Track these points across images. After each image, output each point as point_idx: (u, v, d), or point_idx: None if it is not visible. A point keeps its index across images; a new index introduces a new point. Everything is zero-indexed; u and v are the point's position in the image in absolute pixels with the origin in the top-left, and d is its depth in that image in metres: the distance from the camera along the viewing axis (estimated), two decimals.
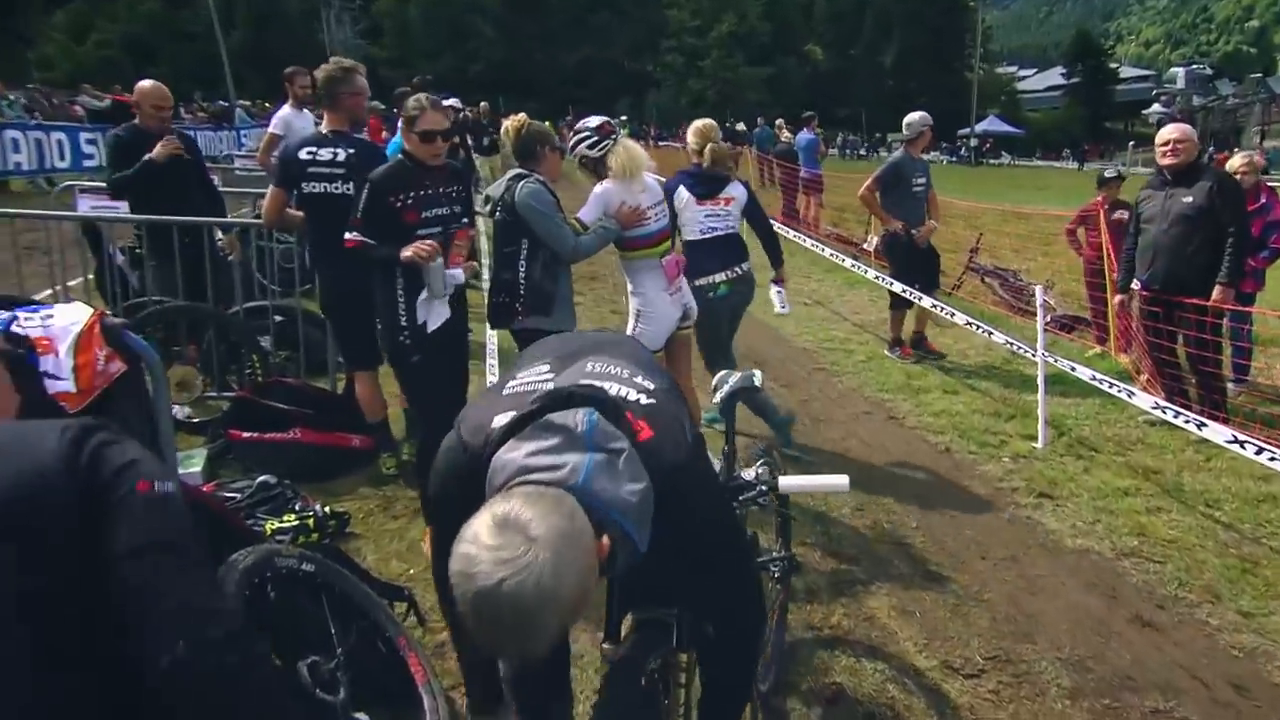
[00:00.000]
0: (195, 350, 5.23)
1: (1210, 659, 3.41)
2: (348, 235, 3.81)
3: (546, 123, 5.33)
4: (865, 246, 11.33)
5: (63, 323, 2.32)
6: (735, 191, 5.12)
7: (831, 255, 9.33)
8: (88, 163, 16.85)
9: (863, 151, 51.80)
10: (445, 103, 7.67)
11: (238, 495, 4.07)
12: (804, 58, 75.21)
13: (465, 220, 4.08)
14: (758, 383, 2.88)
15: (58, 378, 2.29)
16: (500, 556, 1.20)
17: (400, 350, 3.91)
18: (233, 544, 2.62)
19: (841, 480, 1.97)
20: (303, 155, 4.45)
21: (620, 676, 1.88)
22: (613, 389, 1.59)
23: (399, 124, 4.03)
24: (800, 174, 14.84)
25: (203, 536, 1.56)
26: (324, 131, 4.68)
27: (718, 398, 2.73)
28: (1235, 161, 6.43)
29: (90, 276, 6.20)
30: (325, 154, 4.45)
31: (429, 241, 3.70)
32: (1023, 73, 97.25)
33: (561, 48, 71.96)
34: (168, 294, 5.29)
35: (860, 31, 77.22)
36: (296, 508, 4.01)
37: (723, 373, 2.80)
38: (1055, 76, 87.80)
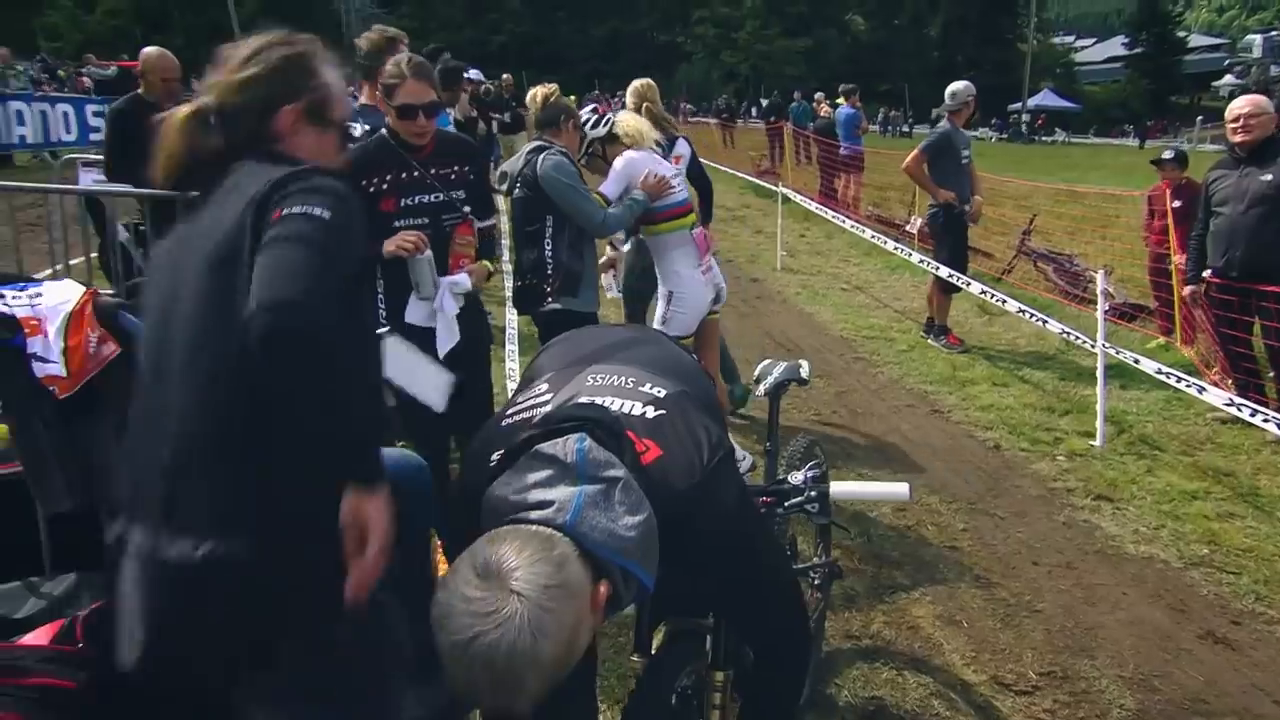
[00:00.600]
0: None
1: None
2: None
3: (571, 97, 5.24)
4: (909, 229, 11.13)
5: (52, 302, 2.27)
6: (682, 149, 5.15)
7: (872, 237, 9.19)
8: (94, 136, 16.86)
9: (905, 128, 51.07)
10: (466, 74, 7.57)
11: None
12: (844, 28, 74.27)
13: (468, 211, 3.43)
14: (805, 374, 2.76)
15: (47, 360, 2.24)
16: (476, 610, 1.16)
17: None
18: None
19: (902, 489, 1.87)
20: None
21: (648, 693, 1.80)
22: (614, 405, 1.51)
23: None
24: (839, 151, 14.62)
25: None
26: (362, 104, 4.49)
27: (761, 390, 2.62)
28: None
29: (93, 255, 6.21)
30: (358, 130, 4.25)
31: (414, 232, 3.23)
32: (1081, 43, 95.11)
33: (589, 20, 71.77)
34: None
35: (904, 3, 76.25)
36: None
37: (767, 361, 2.69)
38: (1116, 46, 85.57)
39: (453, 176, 3.37)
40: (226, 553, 1.44)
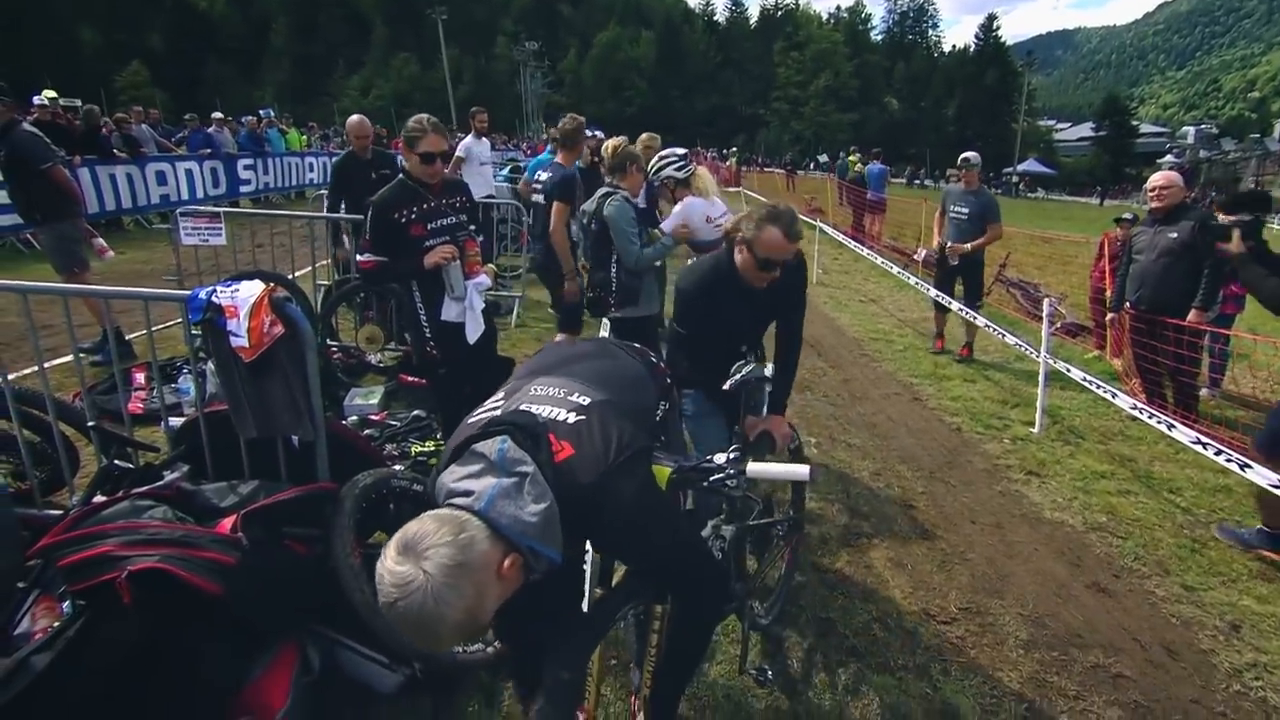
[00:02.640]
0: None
1: (1150, 624, 2.96)
2: (360, 257, 3.20)
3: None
4: (915, 257, 10.54)
5: (245, 295, 2.30)
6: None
7: (884, 264, 8.73)
8: None
9: (927, 182, 48.88)
10: (589, 133, 7.60)
11: (398, 423, 4.10)
12: (883, 107, 71.65)
13: (472, 228, 3.37)
14: (768, 374, 2.59)
15: (237, 335, 2.28)
16: (395, 580, 1.13)
17: (430, 362, 3.32)
18: (365, 466, 2.59)
19: (802, 469, 1.70)
20: (538, 175, 5.16)
21: (595, 612, 1.69)
22: (544, 411, 1.41)
23: (408, 145, 3.15)
24: (868, 196, 14.01)
25: None
26: (555, 162, 4.97)
27: (728, 384, 2.45)
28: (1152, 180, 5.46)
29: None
30: (544, 177, 4.92)
31: (447, 245, 3.16)
32: (1059, 126, 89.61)
33: (695, 96, 71.29)
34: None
35: (929, 88, 73.34)
36: (437, 436, 4.00)
37: (740, 362, 2.51)
38: (1085, 130, 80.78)
39: (457, 205, 3.29)
40: None
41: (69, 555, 1.83)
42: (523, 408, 1.43)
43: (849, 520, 3.64)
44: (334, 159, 6.14)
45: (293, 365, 2.34)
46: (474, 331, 3.30)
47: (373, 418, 4.17)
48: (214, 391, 3.85)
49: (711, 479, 1.66)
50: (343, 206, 5.46)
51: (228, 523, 2.12)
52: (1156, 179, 4.92)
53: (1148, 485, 4.20)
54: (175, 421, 4.04)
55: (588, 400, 1.46)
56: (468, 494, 1.26)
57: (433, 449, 3.78)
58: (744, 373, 2.40)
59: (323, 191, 6.70)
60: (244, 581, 1.86)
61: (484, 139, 7.50)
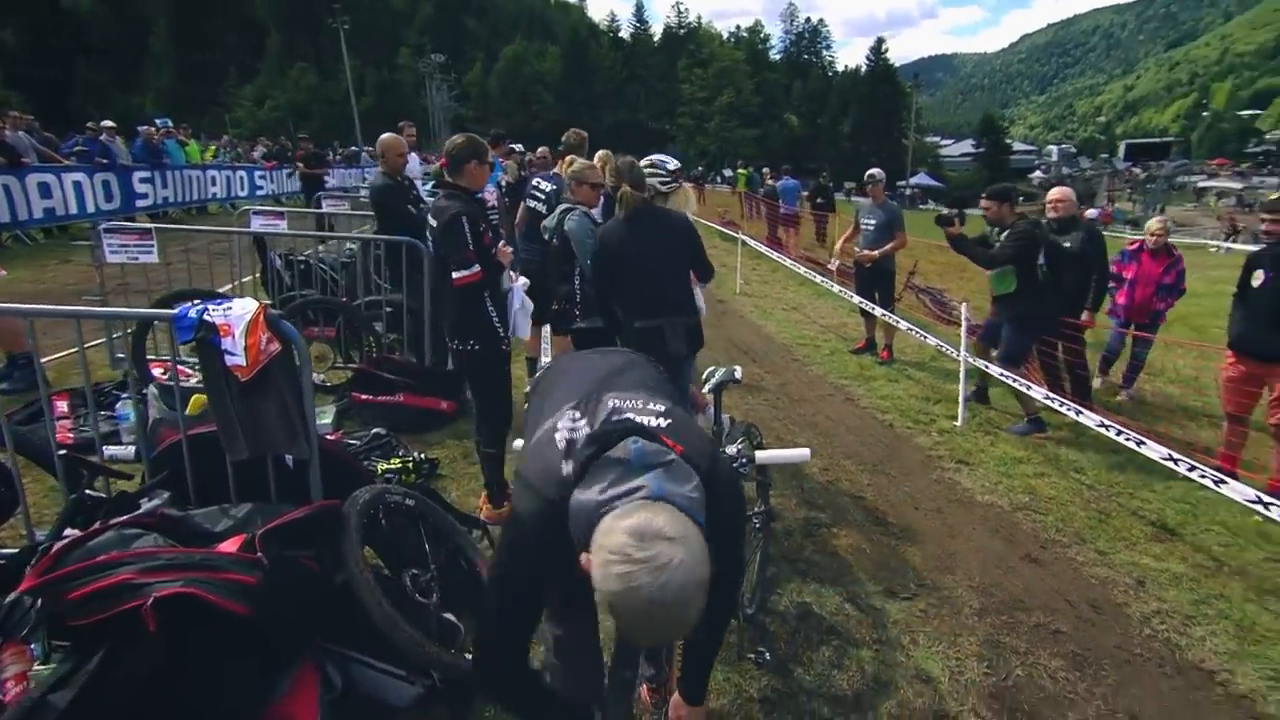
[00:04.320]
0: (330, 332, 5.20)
1: (1077, 586, 3.35)
2: (465, 272, 3.10)
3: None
4: (829, 266, 11.11)
5: (238, 313, 2.27)
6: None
7: (806, 273, 9.19)
8: (259, 191, 17.31)
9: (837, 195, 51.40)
10: (510, 146, 7.73)
11: (358, 442, 4.03)
12: (783, 124, 74.54)
13: (503, 238, 3.54)
14: (739, 376, 2.78)
15: (233, 354, 2.24)
16: (656, 565, 1.09)
17: (502, 358, 3.37)
18: (355, 483, 2.59)
19: (804, 452, 1.86)
20: (533, 183, 5.10)
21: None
22: (639, 419, 1.42)
23: (461, 162, 3.29)
24: (780, 210, 14.64)
25: None
26: (554, 173, 5.07)
27: (706, 388, 2.61)
28: (1152, 224, 6.14)
29: (257, 275, 6.19)
30: (547, 187, 4.93)
31: (506, 245, 3.42)
32: (944, 142, 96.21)
33: (602, 111, 71.82)
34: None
35: (825, 106, 76.91)
36: (400, 453, 3.97)
37: (712, 367, 2.68)
38: (967, 146, 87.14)
39: (490, 218, 3.60)
40: None
41: (78, 588, 1.77)
42: (616, 419, 1.42)
43: (808, 513, 3.88)
44: (371, 185, 5.54)
45: (288, 382, 2.33)
46: (525, 329, 3.50)
47: (328, 437, 4.08)
48: (157, 417, 3.69)
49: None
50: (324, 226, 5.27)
51: (227, 547, 2.08)
52: (1054, 193, 5.51)
53: (1057, 467, 4.67)
54: (113, 450, 3.85)
55: (664, 407, 1.47)
56: (632, 491, 1.21)
57: (398, 466, 3.75)
58: (718, 376, 2.56)
59: (250, 208, 6.44)
60: (269, 601, 1.85)
61: (413, 154, 7.42)
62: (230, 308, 2.26)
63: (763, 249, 11.82)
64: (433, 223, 3.22)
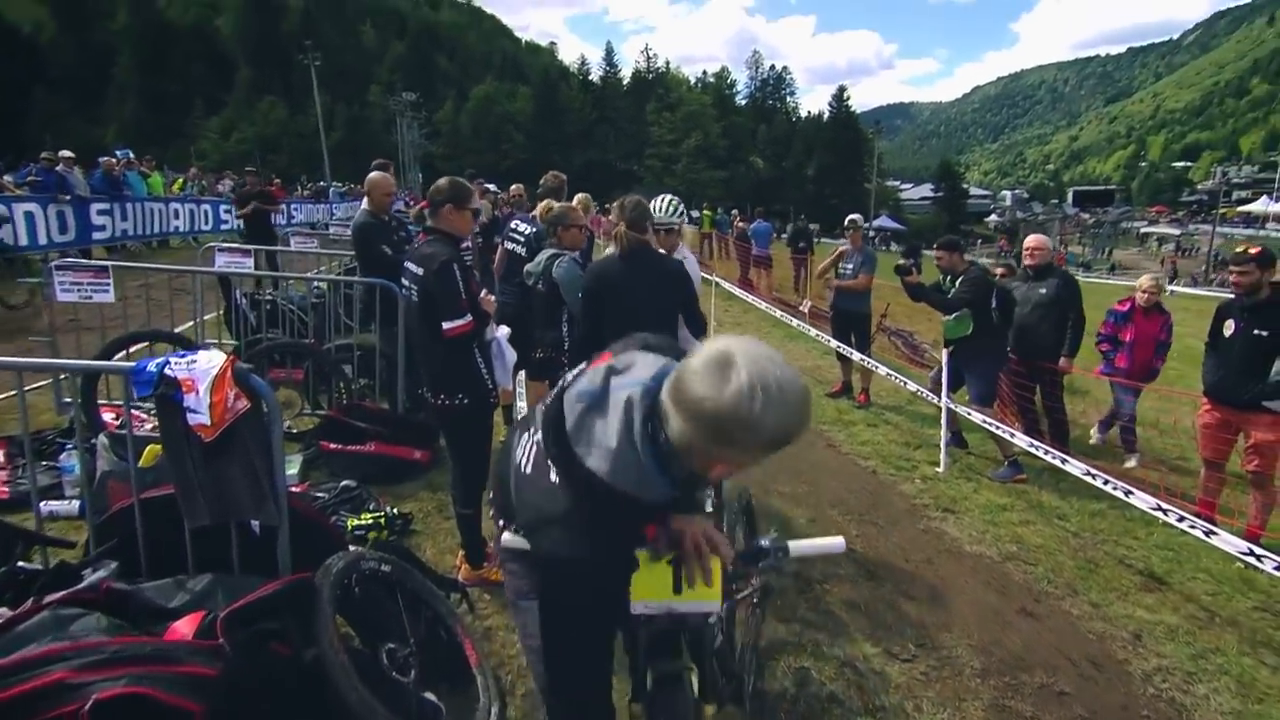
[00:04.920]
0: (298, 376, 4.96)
1: (1075, 642, 3.26)
2: (459, 322, 2.89)
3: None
4: (801, 308, 11.19)
5: (203, 367, 2.08)
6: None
7: (782, 316, 9.21)
8: (224, 226, 17.01)
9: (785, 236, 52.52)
10: (485, 186, 7.64)
11: (325, 495, 3.80)
12: (750, 166, 76.33)
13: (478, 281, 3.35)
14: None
15: (197, 412, 2.05)
16: (769, 362, 1.11)
17: (488, 412, 3.16)
18: (327, 546, 2.39)
19: (839, 542, 1.71)
20: (510, 224, 4.92)
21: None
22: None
23: (437, 206, 3.13)
24: (753, 252, 14.75)
25: None
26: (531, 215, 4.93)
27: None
28: (1144, 281, 5.93)
29: (220, 314, 5.95)
30: (525, 229, 4.76)
31: (490, 294, 3.24)
32: (904, 186, 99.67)
33: (572, 150, 72.74)
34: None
35: (790, 150, 79.01)
36: (371, 507, 3.74)
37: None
38: (926, 190, 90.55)
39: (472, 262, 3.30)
40: None
41: (3, 690, 1.54)
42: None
43: (798, 568, 3.73)
44: (354, 222, 5.32)
45: (256, 442, 2.14)
46: (508, 379, 3.29)
47: (294, 490, 3.84)
48: (107, 469, 3.43)
49: (761, 563, 1.62)
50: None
51: (183, 626, 1.87)
52: (1031, 240, 5.61)
53: (1042, 514, 4.63)
54: (53, 506, 3.56)
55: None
56: (640, 375, 1.27)
57: (369, 522, 3.53)
58: None
59: (214, 245, 6.21)
60: (232, 696, 1.64)
61: None
62: (195, 360, 2.08)
63: (735, 290, 11.86)
64: (416, 270, 3.01)
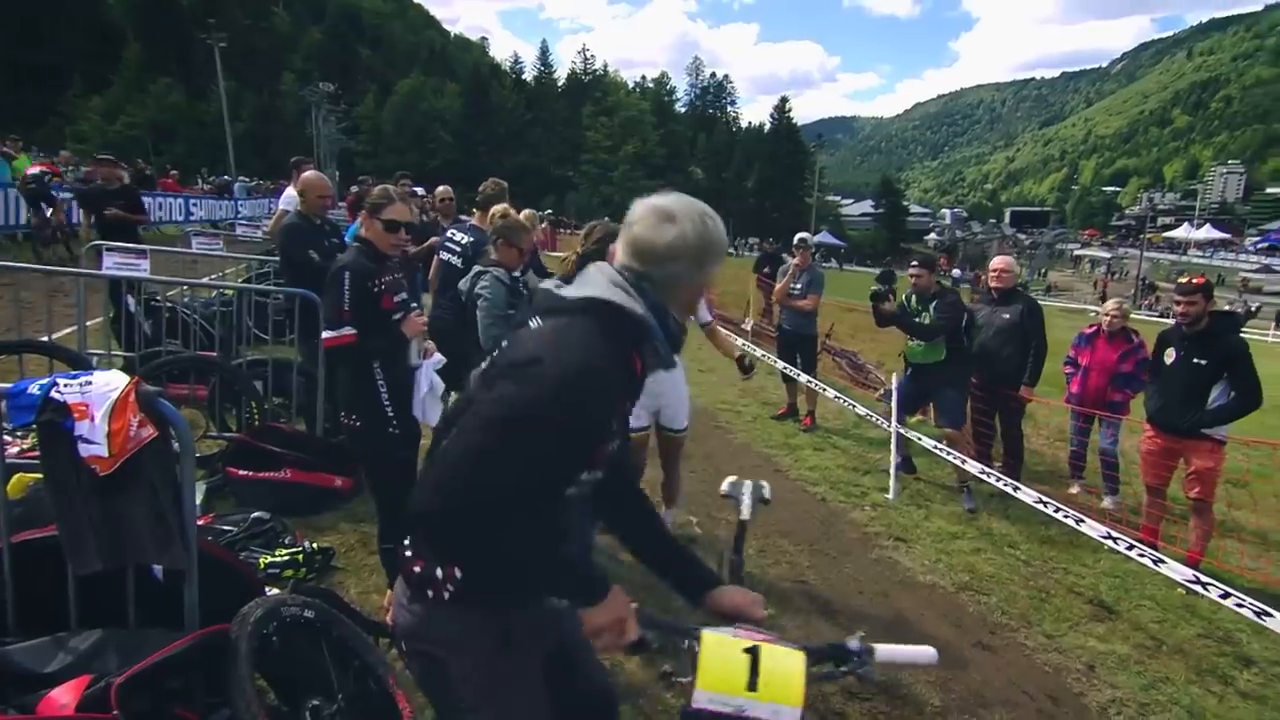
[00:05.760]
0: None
1: (1032, 675, 3.39)
2: (334, 333, 2.79)
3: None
4: (744, 326, 11.37)
5: (100, 390, 1.91)
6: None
7: (724, 334, 9.28)
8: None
9: (732, 251, 53.48)
10: (412, 189, 7.40)
11: (233, 529, 3.57)
12: (688, 176, 77.53)
13: (414, 305, 3.18)
14: (767, 495, 2.25)
15: (91, 442, 1.88)
16: (684, 197, 1.41)
17: (390, 443, 2.94)
18: (242, 591, 2.24)
19: (931, 653, 1.52)
20: (447, 234, 4.89)
21: None
22: None
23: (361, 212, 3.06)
24: None
25: None
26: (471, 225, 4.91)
27: (745, 513, 2.09)
28: (1109, 304, 6.04)
29: (108, 320, 5.57)
30: (462, 239, 4.71)
31: (421, 316, 3.07)
32: (844, 201, 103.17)
33: (504, 153, 72.24)
34: None
35: (730, 161, 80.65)
36: (287, 542, 3.54)
37: (733, 479, 2.21)
38: (867, 206, 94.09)
39: (403, 279, 3.13)
40: None
41: None
42: None
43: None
44: (284, 224, 5.00)
45: (161, 476, 1.99)
46: (435, 415, 3.02)
47: (198, 523, 3.59)
48: None
49: (845, 666, 1.46)
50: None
51: (62, 695, 1.71)
52: (997, 263, 5.81)
53: (992, 542, 4.80)
54: None
55: None
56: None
57: (285, 559, 3.34)
58: (747, 499, 2.14)
59: (99, 243, 5.84)
60: None
61: (290, 189, 7.01)
62: (89, 382, 1.92)
63: None
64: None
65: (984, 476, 4.82)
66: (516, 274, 3.81)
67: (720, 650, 1.30)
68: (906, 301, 5.58)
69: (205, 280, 6.35)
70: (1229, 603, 3.19)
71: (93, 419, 1.88)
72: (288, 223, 4.83)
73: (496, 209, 4.04)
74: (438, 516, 1.23)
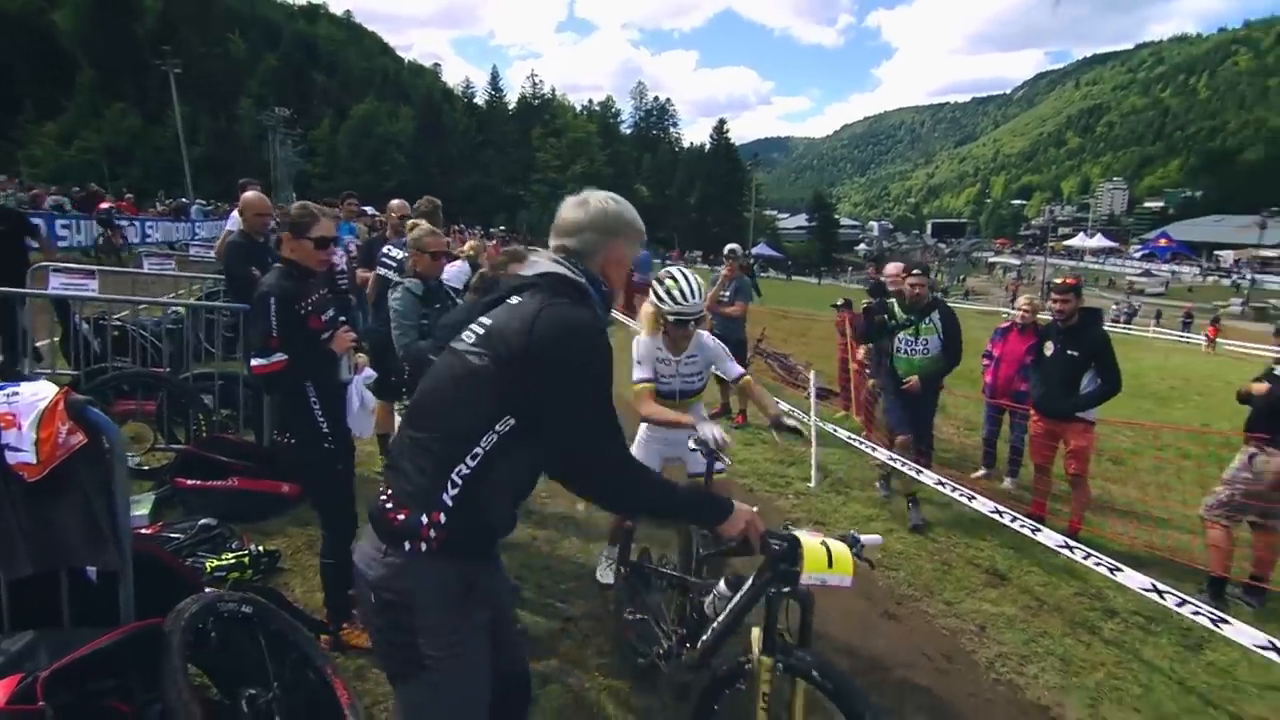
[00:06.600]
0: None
1: (931, 639, 3.56)
2: (264, 361, 2.65)
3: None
4: None
5: (28, 399, 1.89)
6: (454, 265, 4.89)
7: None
8: (61, 243, 15.33)
9: (673, 262, 54.03)
10: (361, 208, 7.31)
11: (181, 536, 3.50)
12: (634, 194, 77.97)
13: (342, 319, 3.01)
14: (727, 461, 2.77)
15: (19, 450, 1.85)
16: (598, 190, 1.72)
17: (326, 458, 2.82)
18: (182, 591, 2.21)
19: (877, 539, 2.20)
20: (384, 250, 4.86)
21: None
22: None
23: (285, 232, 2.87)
24: (634, 279, 14.99)
25: None
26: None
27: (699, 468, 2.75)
28: (1021, 300, 6.21)
29: (56, 340, 5.37)
30: (398, 254, 4.62)
31: (349, 331, 2.92)
32: (781, 215, 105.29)
33: (457, 174, 71.45)
34: None
35: (673, 179, 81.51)
36: (233, 546, 3.49)
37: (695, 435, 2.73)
38: (801, 219, 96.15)
39: (330, 294, 3.00)
40: None
41: None
42: None
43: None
44: (227, 243, 4.97)
45: (93, 482, 1.97)
46: (367, 428, 2.99)
47: (144, 531, 3.51)
48: None
49: (855, 550, 1.94)
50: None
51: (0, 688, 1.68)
52: (891, 268, 6.00)
53: (903, 522, 4.98)
54: None
55: None
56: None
57: (232, 561, 3.29)
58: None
59: (46, 265, 5.63)
60: None
61: (234, 213, 6.88)
62: (16, 393, 1.89)
63: (619, 316, 12.06)
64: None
65: (892, 463, 5.00)
66: (436, 283, 3.82)
67: (810, 546, 1.84)
68: (891, 312, 5.27)
69: (146, 298, 6.14)
70: (1089, 562, 3.40)
71: (20, 427, 1.85)
72: (230, 241, 4.78)
73: (411, 223, 4.06)
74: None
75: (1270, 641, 2.61)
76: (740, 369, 3.43)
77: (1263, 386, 4.03)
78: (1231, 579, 4.17)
